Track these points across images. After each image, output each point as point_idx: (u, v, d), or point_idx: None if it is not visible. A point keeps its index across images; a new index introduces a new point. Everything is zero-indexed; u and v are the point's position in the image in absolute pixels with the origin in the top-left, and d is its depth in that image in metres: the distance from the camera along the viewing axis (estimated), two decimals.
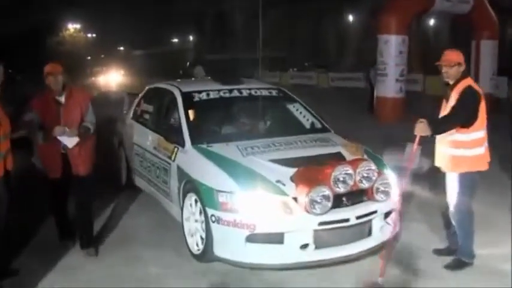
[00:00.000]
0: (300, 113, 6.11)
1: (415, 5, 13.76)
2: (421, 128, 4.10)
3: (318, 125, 5.92)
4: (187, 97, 5.67)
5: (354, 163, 4.44)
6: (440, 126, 4.24)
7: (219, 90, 5.84)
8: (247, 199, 4.23)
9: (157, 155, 5.67)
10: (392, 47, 13.56)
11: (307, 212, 4.17)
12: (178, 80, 6.81)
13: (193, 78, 9.28)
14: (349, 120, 11.00)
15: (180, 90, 5.79)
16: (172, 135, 5.34)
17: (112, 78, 37.28)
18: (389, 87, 13.85)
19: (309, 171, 4.38)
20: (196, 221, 4.73)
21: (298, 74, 31.60)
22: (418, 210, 6.04)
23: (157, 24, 49.90)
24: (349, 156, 4.86)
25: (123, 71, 43.14)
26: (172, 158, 5.25)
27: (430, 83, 22.33)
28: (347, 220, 4.33)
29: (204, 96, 5.72)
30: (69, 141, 4.67)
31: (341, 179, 4.32)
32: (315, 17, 42.13)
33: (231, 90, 5.88)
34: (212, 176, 4.50)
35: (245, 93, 5.92)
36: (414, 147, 4.14)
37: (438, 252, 4.89)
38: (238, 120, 5.96)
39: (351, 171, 4.35)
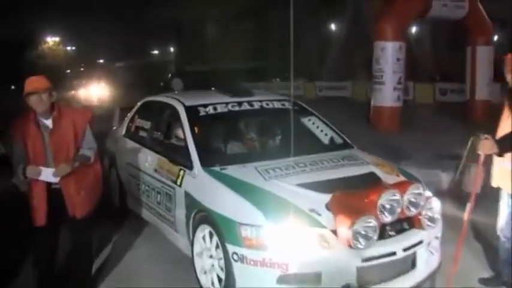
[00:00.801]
0: (317, 127, 5.46)
1: (412, 11, 13.25)
2: (487, 146, 3.47)
3: (339, 140, 5.28)
4: (192, 112, 4.96)
5: (401, 187, 3.76)
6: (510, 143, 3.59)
7: (226, 103, 5.13)
8: (278, 233, 3.52)
9: (159, 178, 4.94)
10: (389, 54, 13.01)
11: (350, 246, 3.47)
12: (176, 92, 6.04)
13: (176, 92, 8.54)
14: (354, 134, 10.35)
15: (183, 104, 5.07)
16: (177, 156, 4.62)
17: (93, 92, 36.28)
18: (386, 95, 13.28)
19: (348, 197, 3.70)
20: (211, 256, 4.01)
21: (284, 85, 30.92)
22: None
23: (137, 36, 49.10)
24: (385, 177, 4.22)
25: (104, 83, 42.10)
26: (178, 183, 4.53)
27: (420, 91, 21.90)
28: (393, 254, 3.67)
29: (210, 110, 5.01)
30: (53, 174, 3.74)
31: (388, 206, 3.63)
32: (296, 25, 41.83)
33: (240, 103, 5.19)
34: (232, 206, 3.77)
35: (256, 105, 5.23)
36: (479, 168, 3.48)
37: (484, 282, 4.31)
38: (252, 137, 5.29)
39: (398, 196, 3.67)
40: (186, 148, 4.60)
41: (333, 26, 41.88)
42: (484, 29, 14.41)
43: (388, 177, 4.22)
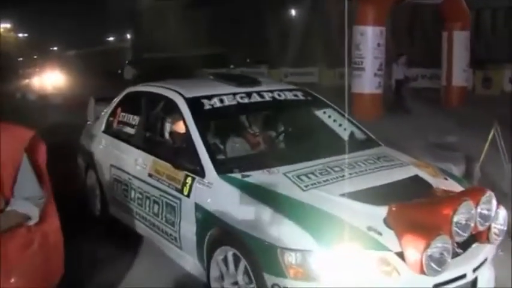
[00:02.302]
0: (335, 120, 4.76)
1: None
2: None
3: (361, 136, 4.59)
4: (195, 105, 4.13)
5: (473, 197, 3.06)
6: None
7: (234, 95, 4.33)
8: (331, 260, 2.77)
9: (156, 185, 4.12)
10: (369, 39, 12.41)
11: (422, 272, 2.77)
12: (166, 81, 5.16)
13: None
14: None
15: (183, 96, 4.24)
16: (181, 160, 3.80)
17: (47, 80, 34.36)
18: (366, 82, 12.71)
19: (411, 211, 3.00)
20: (236, 284, 3.23)
21: (248, 71, 30.06)
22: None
23: (92, 23, 47.11)
24: (434, 181, 3.57)
25: (58, 72, 40.15)
26: (185, 192, 3.72)
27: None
28: (464, 276, 3.02)
29: (217, 103, 4.19)
30: None
31: (463, 222, 2.94)
32: (256, 10, 40.95)
33: (249, 94, 4.39)
34: (269, 225, 3.00)
35: (267, 97, 4.45)
36: None
37: None
38: (268, 134, 4.58)
39: (473, 210, 2.98)
40: (192, 150, 3.79)
41: (293, 11, 41.32)
42: (461, 13, 14.03)
43: (438, 182, 3.59)
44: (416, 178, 3.61)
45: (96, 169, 5.33)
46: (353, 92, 13.17)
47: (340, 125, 4.72)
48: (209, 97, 4.24)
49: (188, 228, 3.68)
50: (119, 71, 40.15)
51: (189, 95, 4.26)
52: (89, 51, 49.77)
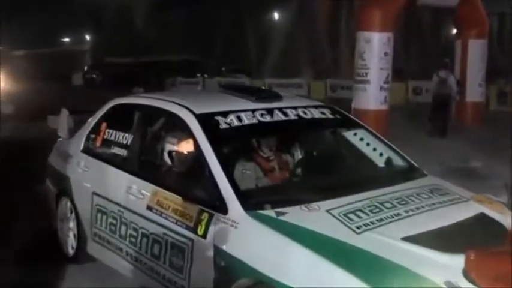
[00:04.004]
0: (368, 144, 4.59)
1: None
2: None
3: (401, 163, 4.43)
4: (209, 123, 3.88)
5: None
6: None
7: (253, 111, 4.09)
8: None
9: (158, 221, 3.84)
10: (375, 47, 12.37)
11: None
12: (165, 92, 4.93)
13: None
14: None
15: (193, 112, 3.97)
16: (196, 190, 3.55)
17: None
18: (371, 97, 12.65)
19: (494, 260, 2.78)
20: None
21: (226, 81, 29.90)
22: None
23: (44, 20, 46.38)
24: (504, 220, 3.40)
25: (2, 74, 39.35)
26: (200, 232, 3.44)
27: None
28: None
29: (234, 121, 3.94)
30: None
31: None
32: (234, 12, 41.05)
33: (270, 111, 4.16)
34: (318, 277, 2.75)
35: (291, 114, 4.23)
36: None
37: None
38: (284, 159, 4.40)
39: None
40: (209, 179, 3.52)
41: (276, 15, 41.42)
42: (479, 20, 14.14)
43: (509, 220, 3.37)
44: (483, 217, 3.47)
45: (73, 197, 5.02)
46: (355, 108, 13.09)
47: (374, 150, 4.54)
48: (224, 114, 4.00)
49: (203, 276, 3.41)
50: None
51: (199, 110, 4.00)
52: (38, 52, 49.03)
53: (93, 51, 49.22)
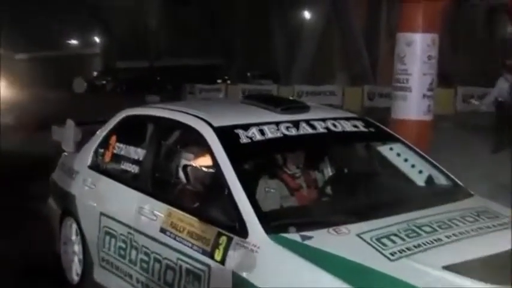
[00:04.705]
0: (406, 160, 4.65)
1: None
2: None
3: (444, 181, 4.47)
4: (228, 137, 3.97)
5: None
6: None
7: (277, 124, 4.17)
8: None
9: (172, 244, 3.93)
10: (417, 50, 12.29)
11: None
12: (181, 102, 5.08)
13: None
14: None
15: (211, 125, 4.07)
16: (213, 211, 3.64)
17: None
18: (413, 105, 12.49)
19: None
20: None
21: (251, 88, 30.10)
22: None
23: (50, 21, 47.34)
24: None
25: (3, 80, 40.17)
26: (218, 257, 3.51)
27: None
28: None
29: (256, 134, 4.02)
30: None
31: None
32: (259, 11, 41.27)
33: (296, 123, 4.23)
34: None
35: (320, 127, 4.30)
36: None
37: None
38: (312, 176, 4.48)
39: None
40: (228, 199, 3.60)
41: (307, 13, 41.48)
42: None
43: None
44: None
45: (78, 217, 5.16)
46: (394, 119, 13.04)
47: (413, 166, 4.58)
48: (245, 127, 4.07)
49: None
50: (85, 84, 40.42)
51: (218, 123, 4.09)
52: (43, 56, 50.01)
53: (104, 55, 50.08)
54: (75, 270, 5.25)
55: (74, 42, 56.32)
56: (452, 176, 4.46)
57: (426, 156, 4.62)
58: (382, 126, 4.81)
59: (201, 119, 4.19)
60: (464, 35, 30.56)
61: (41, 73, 43.50)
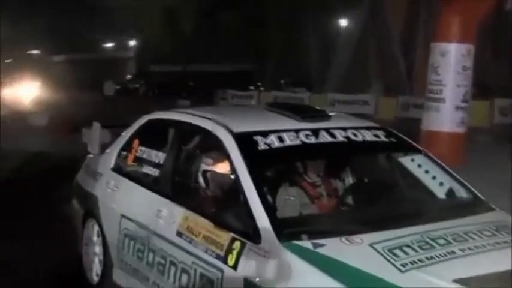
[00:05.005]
0: (427, 172, 4.63)
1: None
2: None
3: (464, 194, 4.44)
4: (247, 144, 4.04)
5: None
6: None
7: (296, 131, 4.21)
8: None
9: (187, 248, 3.99)
10: (452, 61, 12.24)
11: None
12: (204, 108, 5.18)
13: None
14: None
15: (230, 131, 4.14)
16: (228, 216, 3.70)
17: (26, 92, 34.91)
18: (446, 117, 12.48)
19: None
20: None
21: (284, 95, 30.13)
22: None
23: (86, 25, 48.08)
24: None
25: (40, 82, 40.85)
26: (231, 262, 3.57)
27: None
28: None
29: (274, 141, 4.07)
30: None
31: None
32: (293, 17, 41.30)
33: (316, 131, 4.27)
34: None
35: (340, 136, 4.33)
36: None
37: None
38: (333, 185, 4.54)
39: None
40: (243, 204, 3.67)
41: (343, 21, 41.37)
42: None
43: None
44: None
45: (100, 219, 5.26)
46: (426, 130, 12.98)
47: (433, 178, 4.58)
48: (264, 133, 4.13)
49: None
50: (116, 87, 40.96)
51: (237, 129, 4.16)
52: (78, 58, 50.79)
53: (139, 58, 50.59)
54: (95, 271, 5.34)
55: (109, 45, 57.10)
56: (472, 189, 4.44)
57: (448, 168, 4.61)
58: (404, 136, 4.81)
59: (221, 124, 4.26)
60: (504, 46, 30.13)
61: (77, 75, 44.29)
